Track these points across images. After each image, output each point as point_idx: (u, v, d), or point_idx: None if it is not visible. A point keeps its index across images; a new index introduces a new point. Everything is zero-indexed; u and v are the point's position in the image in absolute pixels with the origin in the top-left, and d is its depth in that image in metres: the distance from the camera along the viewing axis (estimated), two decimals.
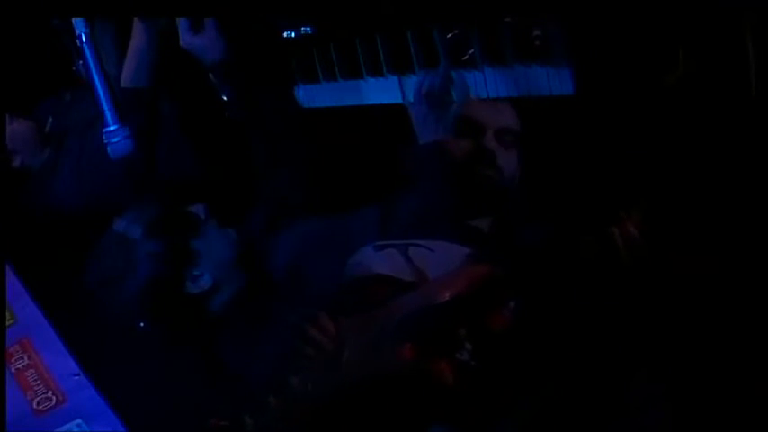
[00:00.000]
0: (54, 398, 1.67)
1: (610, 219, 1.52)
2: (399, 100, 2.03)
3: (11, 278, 1.89)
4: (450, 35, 1.91)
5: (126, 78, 2.14)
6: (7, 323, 1.83)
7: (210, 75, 2.09)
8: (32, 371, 1.74)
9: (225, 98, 2.13)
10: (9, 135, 2.35)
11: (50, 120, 2.47)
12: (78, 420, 1.62)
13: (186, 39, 2.02)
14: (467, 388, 1.42)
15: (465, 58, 1.90)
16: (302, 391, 1.47)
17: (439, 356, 1.43)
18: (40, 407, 1.66)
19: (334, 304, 1.67)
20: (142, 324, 1.85)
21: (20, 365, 1.75)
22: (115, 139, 1.97)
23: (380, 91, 2.07)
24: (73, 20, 1.97)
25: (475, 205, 1.89)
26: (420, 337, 1.47)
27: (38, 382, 1.71)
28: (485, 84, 1.89)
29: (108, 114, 1.97)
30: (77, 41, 1.97)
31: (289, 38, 2.19)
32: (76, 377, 1.70)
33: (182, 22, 2.01)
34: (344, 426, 1.45)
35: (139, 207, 1.87)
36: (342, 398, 1.46)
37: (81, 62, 2.05)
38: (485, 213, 1.90)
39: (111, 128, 1.98)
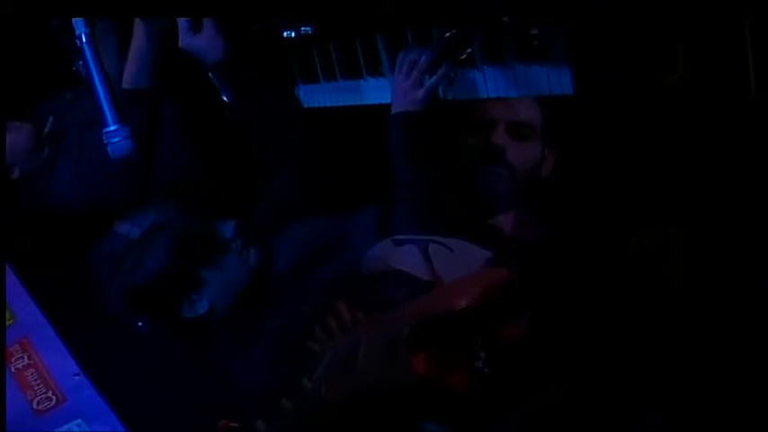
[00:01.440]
0: (54, 398, 1.68)
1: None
2: None
3: (11, 278, 1.89)
4: (448, 34, 1.91)
5: (127, 79, 2.14)
6: (7, 323, 1.83)
7: (210, 75, 2.09)
8: (32, 371, 1.74)
9: (225, 98, 2.13)
10: (7, 147, 2.34)
11: (51, 119, 2.47)
12: (78, 420, 1.62)
13: (186, 39, 2.02)
14: (476, 394, 1.42)
15: (463, 56, 1.90)
16: (316, 395, 1.47)
17: (453, 368, 1.43)
18: (40, 407, 1.66)
19: (349, 298, 1.67)
20: (141, 324, 1.85)
21: (20, 365, 1.75)
22: (115, 139, 1.97)
23: (380, 91, 2.07)
24: (73, 20, 1.96)
25: (487, 203, 1.90)
26: (434, 346, 1.46)
27: (38, 382, 1.71)
28: (484, 83, 1.89)
29: (108, 114, 1.97)
30: (77, 41, 1.96)
31: (289, 38, 2.19)
32: (76, 377, 1.70)
33: (181, 23, 2.01)
34: (358, 430, 1.45)
35: (144, 210, 1.87)
36: (355, 403, 1.45)
37: (81, 62, 2.04)
38: (501, 211, 1.90)
39: (112, 128, 1.97)
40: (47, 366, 1.74)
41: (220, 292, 1.78)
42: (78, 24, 1.96)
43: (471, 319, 1.49)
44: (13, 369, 1.74)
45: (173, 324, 1.78)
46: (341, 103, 2.19)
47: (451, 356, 1.45)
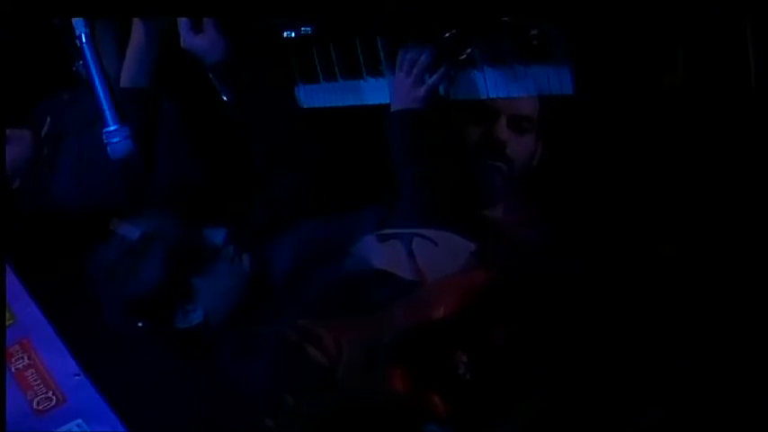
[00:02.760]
0: (54, 398, 1.67)
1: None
2: None
3: (11, 278, 1.89)
4: (448, 34, 1.91)
5: (125, 78, 2.14)
6: (7, 323, 1.83)
7: (210, 75, 2.09)
8: (32, 371, 1.73)
9: (225, 98, 2.13)
10: (7, 158, 2.34)
11: (48, 120, 2.47)
12: (78, 420, 1.62)
13: (188, 39, 2.02)
14: (460, 401, 1.41)
15: (463, 56, 1.90)
16: (298, 412, 1.46)
17: (432, 385, 1.42)
18: (40, 407, 1.66)
19: (331, 301, 1.67)
20: (140, 324, 1.84)
21: (20, 365, 1.75)
22: (115, 139, 1.97)
23: (380, 91, 2.07)
24: (73, 20, 1.96)
25: (482, 196, 1.90)
26: (412, 360, 1.45)
27: (38, 382, 1.71)
28: (485, 83, 1.89)
29: (108, 114, 1.97)
30: (77, 41, 1.96)
31: (289, 38, 2.19)
32: (76, 377, 1.70)
33: (183, 23, 2.02)
34: None
35: (142, 212, 1.87)
36: (337, 419, 1.45)
37: (81, 62, 2.04)
38: (492, 203, 1.91)
39: (111, 128, 1.97)
40: (47, 366, 1.74)
41: (214, 301, 1.76)
42: (78, 24, 1.96)
43: (450, 328, 1.49)
44: (13, 369, 1.74)
45: (169, 334, 1.77)
46: (341, 104, 2.19)
47: (431, 371, 1.44)
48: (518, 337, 1.45)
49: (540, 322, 1.47)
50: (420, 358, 1.46)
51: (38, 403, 1.67)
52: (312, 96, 2.26)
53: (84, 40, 1.96)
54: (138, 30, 2.13)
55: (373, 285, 1.72)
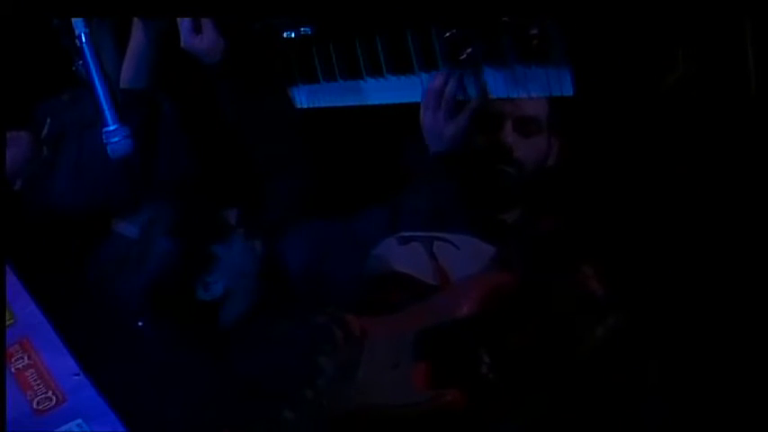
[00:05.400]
0: (54, 398, 1.67)
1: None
2: (400, 100, 2.04)
3: (11, 278, 1.89)
4: (448, 34, 1.91)
5: (125, 79, 2.14)
6: (7, 323, 1.83)
7: (210, 75, 2.09)
8: (32, 371, 1.73)
9: (225, 98, 2.13)
10: (8, 160, 2.33)
11: (48, 121, 2.47)
12: (78, 420, 1.61)
13: (187, 40, 2.02)
14: (481, 402, 1.41)
15: (463, 56, 1.90)
16: (317, 406, 1.47)
17: (453, 384, 1.42)
18: (40, 407, 1.66)
19: (353, 301, 1.67)
20: (140, 323, 1.84)
21: (20, 365, 1.74)
22: (115, 139, 1.97)
23: (380, 91, 2.07)
24: (73, 20, 1.96)
25: (495, 201, 1.90)
26: (436, 357, 1.46)
27: (38, 382, 1.71)
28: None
29: (107, 114, 1.97)
30: (77, 41, 1.96)
31: (289, 38, 2.19)
32: (76, 377, 1.69)
33: (183, 23, 2.02)
34: None
35: (140, 208, 1.87)
36: (357, 415, 1.45)
37: (81, 62, 2.04)
38: (508, 207, 1.91)
39: (111, 127, 1.97)
40: (47, 366, 1.73)
41: (233, 276, 1.76)
42: (78, 24, 1.96)
43: (473, 327, 1.49)
44: (13, 369, 1.73)
45: (188, 313, 1.77)
46: (341, 104, 2.20)
47: (453, 369, 1.45)
48: (538, 337, 1.46)
49: (562, 324, 1.47)
50: (443, 356, 1.47)
51: (38, 403, 1.66)
52: (312, 96, 2.26)
53: (83, 39, 1.96)
54: (137, 30, 2.13)
55: (395, 288, 1.72)
